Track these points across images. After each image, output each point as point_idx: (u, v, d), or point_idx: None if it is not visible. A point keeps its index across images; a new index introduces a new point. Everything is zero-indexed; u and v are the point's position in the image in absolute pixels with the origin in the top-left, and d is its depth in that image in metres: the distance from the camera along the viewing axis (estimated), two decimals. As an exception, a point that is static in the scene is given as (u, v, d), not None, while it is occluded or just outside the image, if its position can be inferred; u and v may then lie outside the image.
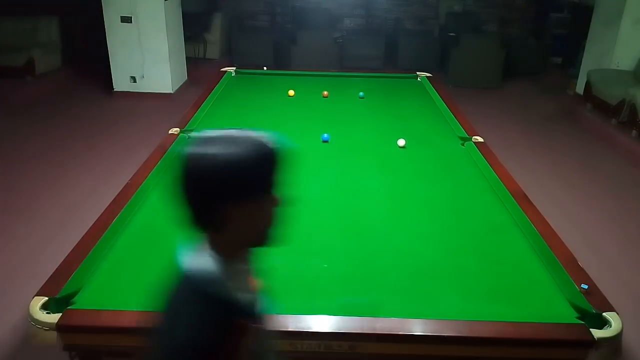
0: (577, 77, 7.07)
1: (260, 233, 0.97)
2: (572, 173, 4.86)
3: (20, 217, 3.75)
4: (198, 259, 0.94)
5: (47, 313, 1.48)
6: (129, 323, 1.47)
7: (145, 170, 2.38)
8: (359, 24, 9.67)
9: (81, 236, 1.85)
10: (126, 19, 6.25)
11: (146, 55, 6.45)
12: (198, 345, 0.87)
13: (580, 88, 6.86)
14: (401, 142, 2.89)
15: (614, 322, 1.51)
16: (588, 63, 6.70)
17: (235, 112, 3.41)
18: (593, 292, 1.64)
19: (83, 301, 1.56)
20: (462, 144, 2.94)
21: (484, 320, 1.52)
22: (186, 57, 7.27)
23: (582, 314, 1.57)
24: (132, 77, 6.60)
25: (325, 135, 2.95)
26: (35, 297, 1.53)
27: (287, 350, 1.48)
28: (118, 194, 2.16)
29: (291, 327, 1.47)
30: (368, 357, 1.52)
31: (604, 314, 1.54)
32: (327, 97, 3.77)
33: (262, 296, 1.06)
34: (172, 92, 6.71)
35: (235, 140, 0.91)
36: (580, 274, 1.73)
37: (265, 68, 4.80)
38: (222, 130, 0.94)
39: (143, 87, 6.63)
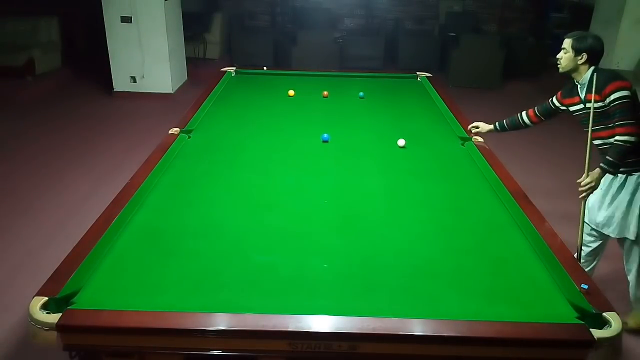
0: (577, 77, 7.07)
1: None
2: (572, 173, 4.84)
3: (20, 217, 3.76)
4: None
5: (47, 313, 1.48)
6: (129, 323, 1.47)
7: (146, 170, 2.39)
8: (359, 24, 9.68)
9: (81, 236, 1.85)
10: (126, 19, 6.25)
11: (146, 55, 6.46)
12: None
13: (580, 88, 6.86)
14: (401, 142, 2.89)
15: (614, 322, 1.51)
16: (588, 63, 6.70)
17: (235, 112, 3.41)
18: (593, 292, 1.63)
19: (83, 301, 1.56)
20: (462, 144, 2.94)
21: (484, 320, 1.52)
22: (186, 57, 7.28)
23: (582, 314, 1.57)
24: (132, 77, 6.60)
25: (325, 135, 2.95)
26: (35, 297, 1.53)
27: (286, 350, 1.48)
28: (118, 194, 2.16)
29: (291, 327, 1.47)
30: (368, 357, 1.52)
31: (604, 314, 1.54)
32: (327, 97, 3.77)
33: None
34: (172, 92, 6.72)
35: None
36: (580, 274, 1.73)
37: (265, 68, 4.80)
38: None
39: (143, 87, 6.63)
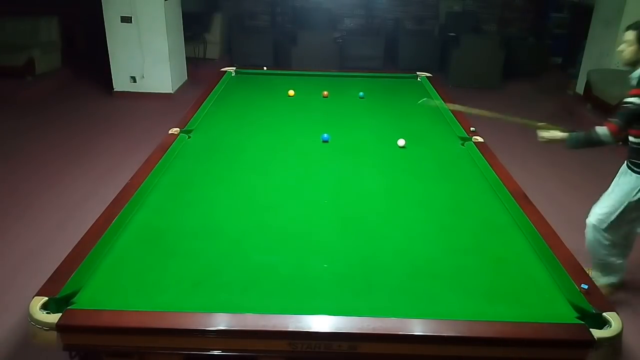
0: (577, 77, 7.07)
1: None
2: (572, 173, 4.86)
3: (20, 217, 3.75)
4: None
5: (47, 313, 1.48)
6: (129, 323, 1.48)
7: (146, 170, 2.39)
8: (359, 24, 9.68)
9: (81, 236, 1.85)
10: (126, 19, 6.25)
11: (146, 55, 6.46)
12: None
13: (580, 88, 6.86)
14: (401, 142, 2.89)
15: (614, 322, 1.51)
16: (588, 63, 6.70)
17: (235, 112, 3.41)
18: (593, 292, 1.64)
19: (83, 301, 1.56)
20: (462, 144, 2.94)
21: (484, 320, 1.52)
22: (186, 57, 7.28)
23: (582, 314, 1.57)
24: (132, 77, 6.60)
25: (325, 135, 2.95)
26: (35, 297, 1.53)
27: (286, 350, 1.48)
28: (118, 194, 2.16)
29: (291, 327, 1.47)
30: (368, 357, 1.52)
31: (604, 314, 1.54)
32: (327, 97, 3.77)
33: None
34: (172, 92, 6.72)
35: None
36: (580, 274, 1.73)
37: (265, 68, 4.80)
38: None
39: (143, 87, 6.63)
